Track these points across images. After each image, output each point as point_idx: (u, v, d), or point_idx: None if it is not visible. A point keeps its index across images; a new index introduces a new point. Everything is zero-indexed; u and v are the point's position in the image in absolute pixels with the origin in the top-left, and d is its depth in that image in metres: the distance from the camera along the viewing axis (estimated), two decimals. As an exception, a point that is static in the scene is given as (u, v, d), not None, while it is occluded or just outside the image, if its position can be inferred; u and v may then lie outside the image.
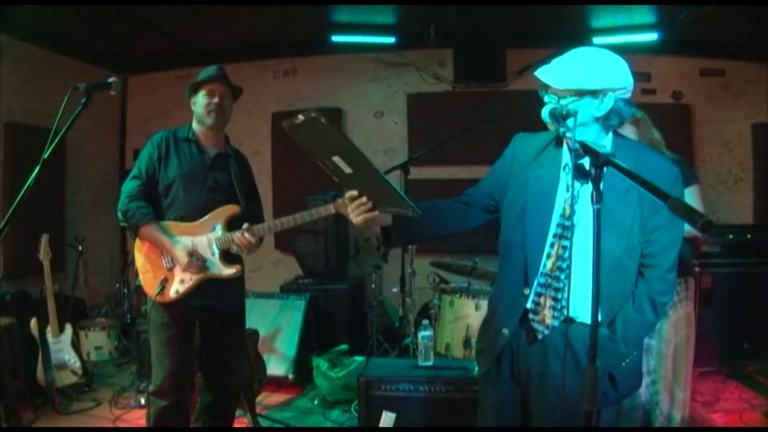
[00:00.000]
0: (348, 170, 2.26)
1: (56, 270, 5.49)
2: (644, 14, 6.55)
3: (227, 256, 3.72)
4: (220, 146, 3.88)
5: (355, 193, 2.39)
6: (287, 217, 3.65)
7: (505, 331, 2.46)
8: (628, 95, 2.31)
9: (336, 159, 2.21)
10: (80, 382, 5.41)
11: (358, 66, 7.68)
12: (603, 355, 2.18)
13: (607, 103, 2.26)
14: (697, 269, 5.72)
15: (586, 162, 2.08)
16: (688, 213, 1.73)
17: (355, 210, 2.41)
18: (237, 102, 3.95)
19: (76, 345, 5.47)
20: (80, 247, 6.57)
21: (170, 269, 3.66)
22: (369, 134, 7.62)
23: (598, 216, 1.94)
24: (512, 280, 2.48)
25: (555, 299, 2.36)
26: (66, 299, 6.17)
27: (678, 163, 2.54)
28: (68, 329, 5.38)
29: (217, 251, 3.67)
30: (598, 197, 1.94)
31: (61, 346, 5.32)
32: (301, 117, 2.05)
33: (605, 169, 1.98)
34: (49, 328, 5.25)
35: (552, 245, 2.38)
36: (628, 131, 3.81)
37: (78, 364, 5.36)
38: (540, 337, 2.40)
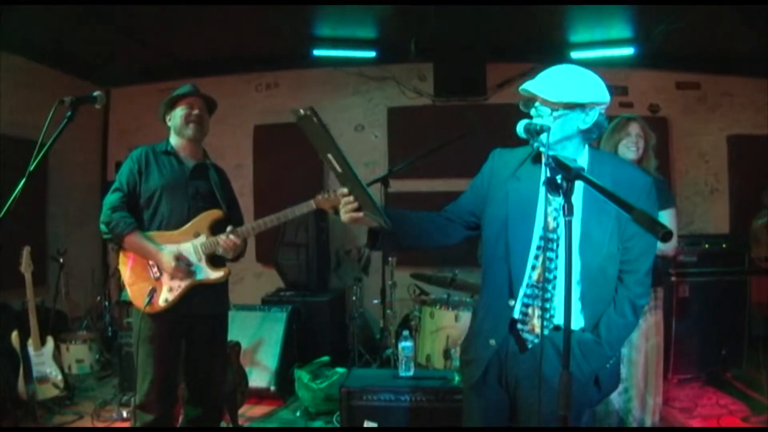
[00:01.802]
0: (339, 169, 2.35)
1: (37, 282, 5.41)
2: (621, 29, 6.66)
3: (213, 261, 3.74)
4: (198, 158, 3.92)
5: (345, 191, 2.44)
6: (270, 217, 3.72)
7: (492, 342, 2.51)
8: (604, 110, 2.42)
9: (330, 156, 2.30)
10: (62, 396, 5.34)
11: (339, 80, 7.73)
12: (591, 359, 2.33)
13: (592, 117, 2.39)
14: (673, 278, 5.84)
15: (560, 176, 2.15)
16: (650, 224, 1.82)
17: (344, 207, 2.45)
18: (218, 115, 4.01)
19: (57, 358, 5.40)
20: (61, 260, 6.52)
21: (157, 279, 3.66)
22: (350, 147, 7.60)
23: (568, 228, 2.03)
24: (496, 292, 2.54)
25: (544, 309, 2.41)
26: (47, 312, 6.13)
27: (661, 185, 2.63)
28: (50, 342, 5.33)
29: (203, 256, 3.69)
30: (569, 210, 2.02)
31: (43, 359, 5.25)
32: (301, 111, 2.14)
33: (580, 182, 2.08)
34: (30, 341, 5.19)
35: (536, 257, 2.45)
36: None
37: (59, 377, 5.29)
38: (530, 345, 2.46)
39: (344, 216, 2.46)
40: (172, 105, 3.84)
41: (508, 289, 2.48)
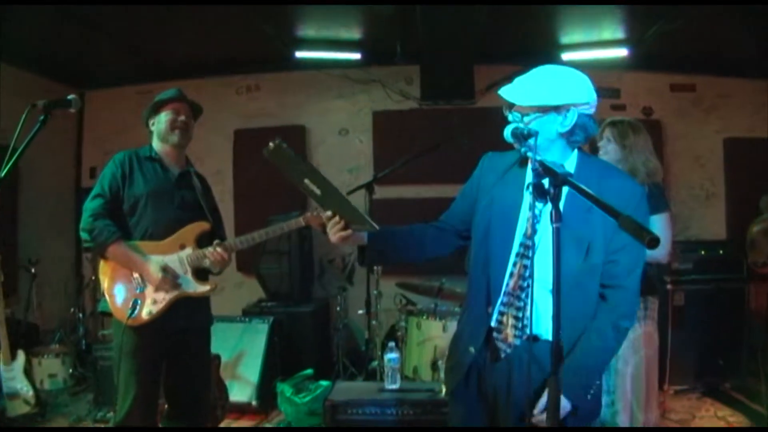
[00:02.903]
0: (318, 192, 2.46)
1: (8, 293, 5.39)
2: (613, 30, 6.59)
3: (198, 274, 3.68)
4: (182, 165, 3.88)
5: (329, 213, 2.54)
6: (259, 232, 3.72)
7: (471, 349, 2.51)
8: (591, 110, 2.40)
9: (307, 182, 2.45)
10: (33, 412, 5.22)
11: (322, 83, 7.65)
12: (568, 393, 2.21)
13: (571, 119, 2.33)
14: (669, 286, 5.87)
15: (546, 182, 2.14)
16: (636, 230, 1.85)
17: (331, 229, 2.54)
18: (198, 119, 3.97)
19: (28, 372, 5.29)
20: (33, 270, 6.42)
21: (141, 290, 3.58)
22: (333, 153, 7.62)
23: (557, 235, 2.01)
24: (477, 298, 2.54)
25: (516, 318, 2.41)
26: (18, 324, 6.01)
27: (653, 189, 2.55)
28: (20, 356, 5.22)
29: (189, 268, 3.63)
30: (557, 216, 2.00)
31: (13, 374, 5.14)
32: (270, 145, 2.35)
33: (566, 188, 2.11)
34: (0, 355, 5.07)
35: (514, 264, 2.44)
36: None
37: (31, 392, 5.18)
38: (503, 355, 2.45)
39: (333, 237, 2.54)
40: (156, 109, 3.79)
41: (487, 295, 2.48)
